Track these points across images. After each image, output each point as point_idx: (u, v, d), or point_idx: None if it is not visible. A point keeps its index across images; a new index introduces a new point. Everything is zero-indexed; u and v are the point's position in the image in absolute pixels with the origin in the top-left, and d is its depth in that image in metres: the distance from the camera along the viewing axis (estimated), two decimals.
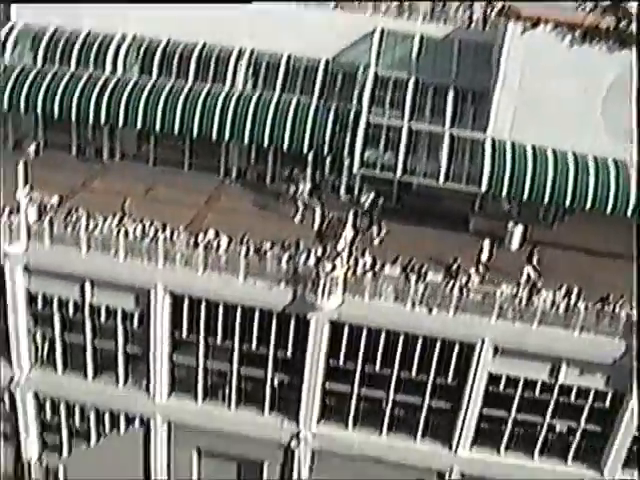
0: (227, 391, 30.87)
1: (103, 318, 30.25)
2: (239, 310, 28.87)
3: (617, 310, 27.38)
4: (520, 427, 30.15)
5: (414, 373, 29.10)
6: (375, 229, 31.62)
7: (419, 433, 30.58)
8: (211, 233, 29.15)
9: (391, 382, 29.44)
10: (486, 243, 30.28)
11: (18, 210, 28.35)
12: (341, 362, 29.29)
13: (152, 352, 30.21)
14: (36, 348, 31.66)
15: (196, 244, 28.47)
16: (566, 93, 31.53)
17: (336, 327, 28.53)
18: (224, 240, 28.79)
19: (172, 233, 28.90)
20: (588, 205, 31.66)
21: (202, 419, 31.19)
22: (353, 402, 30.25)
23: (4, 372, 31.74)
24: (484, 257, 29.96)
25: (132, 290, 29.24)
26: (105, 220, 29.24)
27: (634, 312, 27.05)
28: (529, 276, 29.16)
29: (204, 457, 32.89)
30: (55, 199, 30.38)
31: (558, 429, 30.19)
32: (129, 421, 32.32)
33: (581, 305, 27.34)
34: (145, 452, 32.71)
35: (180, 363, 30.74)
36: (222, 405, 31.19)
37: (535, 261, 29.76)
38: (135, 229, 29.03)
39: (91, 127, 35.62)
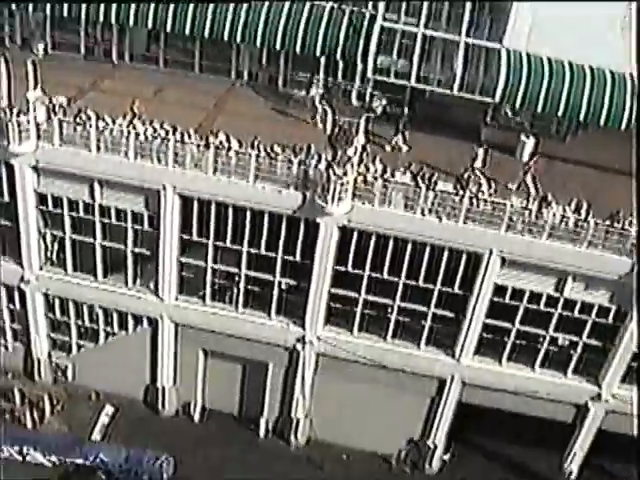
0: (234, 293, 31.23)
1: (113, 219, 30.23)
2: (248, 213, 28.84)
3: (626, 227, 27.25)
4: (522, 339, 30.54)
5: (421, 281, 29.31)
6: (400, 138, 31.19)
7: (423, 340, 31.00)
8: (221, 136, 28.90)
9: (397, 289, 29.69)
10: (480, 151, 29.89)
11: (27, 110, 27.98)
12: (349, 268, 29.45)
13: (161, 253, 30.41)
14: (46, 248, 31.80)
15: (206, 146, 28.16)
16: (586, 7, 30.93)
17: (345, 232, 28.58)
18: (234, 143, 28.58)
19: (182, 135, 28.58)
20: (602, 120, 30.91)
21: (209, 320, 31.70)
22: (359, 307, 30.59)
23: (15, 271, 32.04)
24: (478, 164, 29.55)
25: (142, 191, 29.19)
26: (114, 121, 28.89)
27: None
28: (527, 187, 28.95)
29: (210, 358, 33.53)
30: (64, 99, 29.97)
31: (560, 342, 30.52)
32: (137, 321, 32.82)
33: (590, 220, 27.22)
34: (152, 352, 33.25)
35: (189, 265, 30.97)
36: (229, 307, 31.57)
37: (533, 171, 29.46)
38: (145, 130, 28.68)
39: (100, 27, 34.72)
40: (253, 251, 29.88)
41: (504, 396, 31.40)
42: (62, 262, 32.08)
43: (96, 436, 33.45)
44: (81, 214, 30.39)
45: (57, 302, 33.32)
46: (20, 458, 31.62)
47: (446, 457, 34.78)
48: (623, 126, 30.66)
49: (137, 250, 31.00)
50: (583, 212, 27.64)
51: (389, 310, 30.47)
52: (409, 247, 28.58)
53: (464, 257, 28.58)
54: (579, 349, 30.34)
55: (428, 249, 28.52)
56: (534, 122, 32.73)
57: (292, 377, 32.68)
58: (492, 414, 32.11)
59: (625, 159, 29.69)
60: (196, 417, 35.03)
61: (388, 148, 30.88)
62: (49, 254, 32.01)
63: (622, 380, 30.74)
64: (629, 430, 31.52)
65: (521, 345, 30.72)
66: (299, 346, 31.48)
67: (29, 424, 33.31)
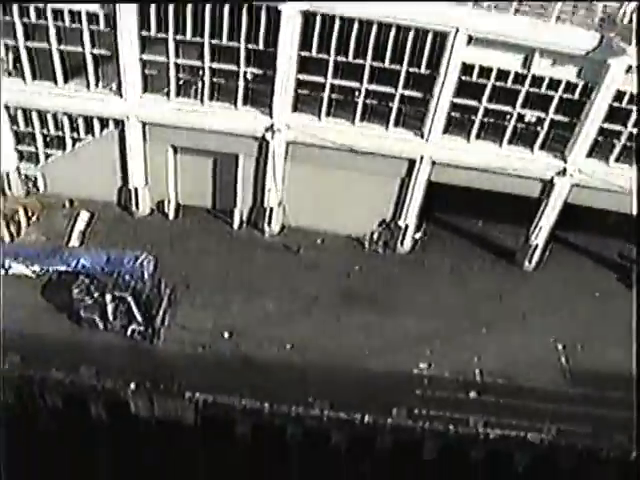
0: (200, 87, 30.65)
1: (67, 21, 28.90)
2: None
3: (594, 2, 26.94)
4: (490, 116, 30.63)
5: (387, 62, 28.93)
6: None
7: (391, 122, 31.02)
8: None
9: (364, 72, 29.36)
10: None
11: None
12: (314, 52, 28.90)
13: (121, 52, 29.39)
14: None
15: None
16: None
17: (308, 17, 27.87)
18: None
19: None
20: None
21: (176, 116, 31.25)
22: (326, 92, 30.31)
23: None
24: None
25: None
26: None
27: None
28: None
29: (180, 154, 33.39)
30: None
31: (527, 119, 30.65)
32: (103, 124, 32.26)
33: None
34: (121, 154, 32.98)
35: (151, 62, 30.02)
36: (195, 101, 31.05)
37: None
38: None
39: None
40: (215, 42, 29.04)
41: (473, 174, 31.94)
42: (20, 72, 30.92)
43: (74, 242, 33.77)
44: (33, 20, 28.98)
45: (20, 113, 32.52)
46: (2, 272, 31.94)
47: (417, 236, 35.84)
48: None
49: (96, 51, 29.84)
50: None
51: (357, 93, 30.23)
52: (374, 29, 27.95)
53: (430, 36, 28.06)
54: (546, 125, 30.57)
55: (393, 30, 27.94)
56: None
57: (263, 167, 32.81)
58: (462, 192, 32.80)
59: None
60: (171, 214, 35.30)
61: None
62: (5, 65, 30.84)
63: (588, 155, 31.34)
64: (593, 203, 32.63)
65: (489, 123, 30.84)
66: (268, 135, 31.33)
67: (7, 238, 33.37)
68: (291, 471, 31.11)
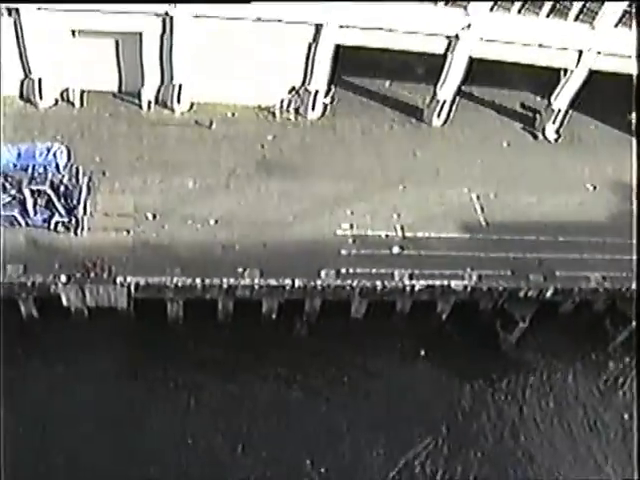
0: None
1: None
2: None
3: None
4: None
5: None
6: None
7: None
8: None
9: None
10: None
11: None
12: None
13: None
14: None
15: None
16: None
17: None
18: None
19: None
20: None
21: None
22: None
23: None
24: None
25: None
26: None
27: None
28: None
29: (80, 37, 31.89)
30: None
31: None
32: None
33: None
34: (19, 43, 31.08)
35: None
36: None
37: None
38: None
39: None
40: None
41: (379, 34, 31.96)
42: None
43: None
44: None
45: None
46: None
47: (327, 100, 35.95)
48: None
49: None
50: None
51: None
52: None
53: None
54: None
55: None
56: None
57: (169, 44, 31.92)
58: (369, 54, 32.92)
59: None
60: (76, 102, 34.16)
61: None
62: None
63: (491, 9, 31.70)
64: (497, 56, 33.20)
65: None
66: (171, 10, 30.18)
67: None
68: (226, 342, 31.74)
